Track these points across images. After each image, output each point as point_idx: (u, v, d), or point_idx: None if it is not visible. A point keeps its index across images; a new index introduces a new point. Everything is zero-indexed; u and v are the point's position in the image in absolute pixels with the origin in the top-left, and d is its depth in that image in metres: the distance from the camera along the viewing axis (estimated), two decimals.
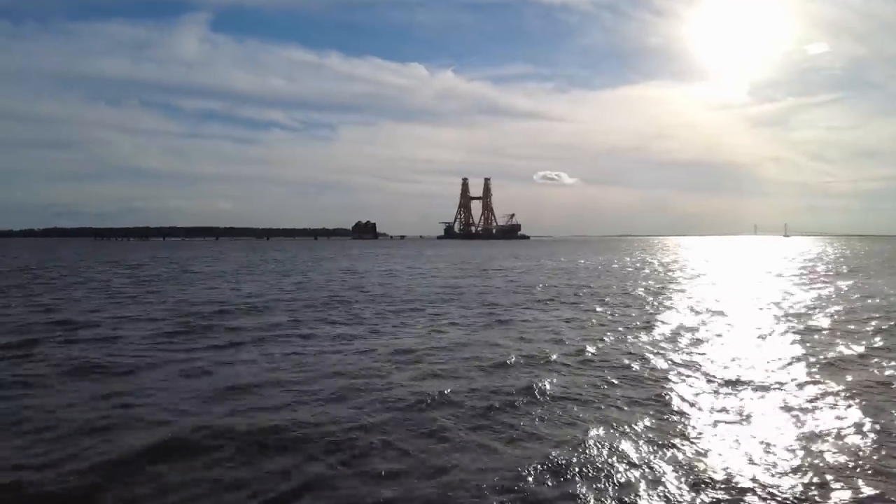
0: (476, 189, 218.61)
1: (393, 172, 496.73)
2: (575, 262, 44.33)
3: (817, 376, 7.98)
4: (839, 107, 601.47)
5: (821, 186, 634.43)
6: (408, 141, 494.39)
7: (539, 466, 4.93)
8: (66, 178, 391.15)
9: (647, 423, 6.01)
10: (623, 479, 4.70)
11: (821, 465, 4.97)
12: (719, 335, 11.37)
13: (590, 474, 4.80)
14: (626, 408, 6.61)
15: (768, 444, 5.41)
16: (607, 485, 4.63)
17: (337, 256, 56.81)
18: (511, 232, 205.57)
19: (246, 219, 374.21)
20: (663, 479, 4.70)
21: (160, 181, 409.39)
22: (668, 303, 17.00)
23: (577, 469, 4.91)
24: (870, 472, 4.84)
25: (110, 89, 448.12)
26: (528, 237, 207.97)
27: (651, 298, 18.16)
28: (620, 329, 12.24)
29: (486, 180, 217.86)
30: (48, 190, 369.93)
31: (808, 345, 10.26)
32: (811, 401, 6.81)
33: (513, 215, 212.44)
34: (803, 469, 4.88)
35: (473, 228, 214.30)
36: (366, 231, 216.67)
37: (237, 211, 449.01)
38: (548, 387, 7.39)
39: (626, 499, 4.39)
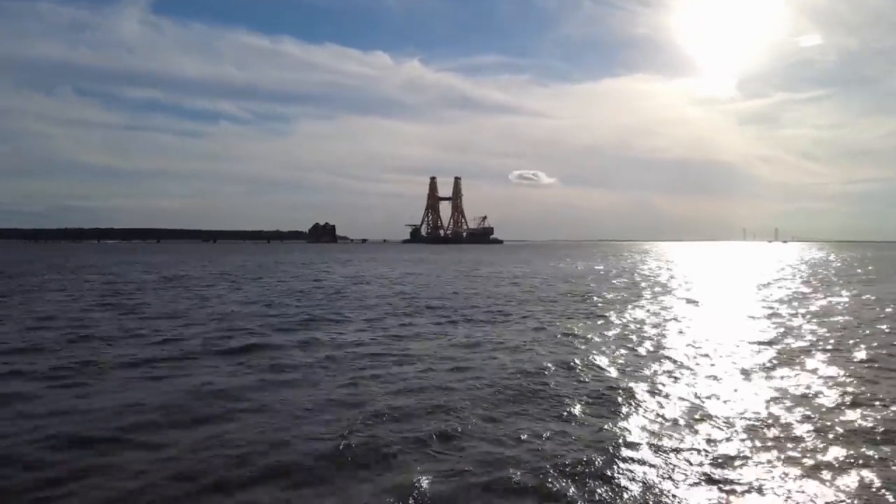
0: (445, 189, 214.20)
1: (354, 170, 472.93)
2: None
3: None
4: (830, 103, 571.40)
5: (811, 188, 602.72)
6: (370, 136, 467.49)
7: None
8: None
9: None
10: None
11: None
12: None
13: None
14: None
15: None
16: None
17: (314, 261, 55.95)
18: (483, 236, 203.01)
19: (191, 219, 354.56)
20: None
21: (96, 177, 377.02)
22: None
23: None
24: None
25: (42, 75, 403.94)
26: (501, 241, 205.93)
27: None
28: None
29: (457, 179, 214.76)
30: None
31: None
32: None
33: (485, 217, 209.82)
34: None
35: (442, 232, 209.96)
36: (324, 234, 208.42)
37: (182, 210, 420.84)
38: None
39: None
